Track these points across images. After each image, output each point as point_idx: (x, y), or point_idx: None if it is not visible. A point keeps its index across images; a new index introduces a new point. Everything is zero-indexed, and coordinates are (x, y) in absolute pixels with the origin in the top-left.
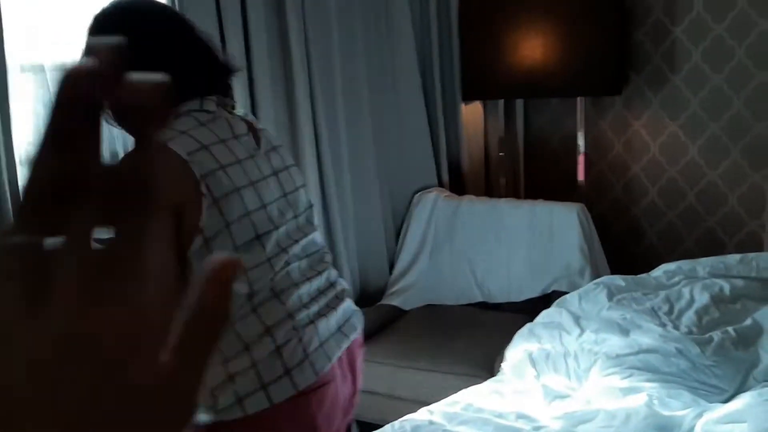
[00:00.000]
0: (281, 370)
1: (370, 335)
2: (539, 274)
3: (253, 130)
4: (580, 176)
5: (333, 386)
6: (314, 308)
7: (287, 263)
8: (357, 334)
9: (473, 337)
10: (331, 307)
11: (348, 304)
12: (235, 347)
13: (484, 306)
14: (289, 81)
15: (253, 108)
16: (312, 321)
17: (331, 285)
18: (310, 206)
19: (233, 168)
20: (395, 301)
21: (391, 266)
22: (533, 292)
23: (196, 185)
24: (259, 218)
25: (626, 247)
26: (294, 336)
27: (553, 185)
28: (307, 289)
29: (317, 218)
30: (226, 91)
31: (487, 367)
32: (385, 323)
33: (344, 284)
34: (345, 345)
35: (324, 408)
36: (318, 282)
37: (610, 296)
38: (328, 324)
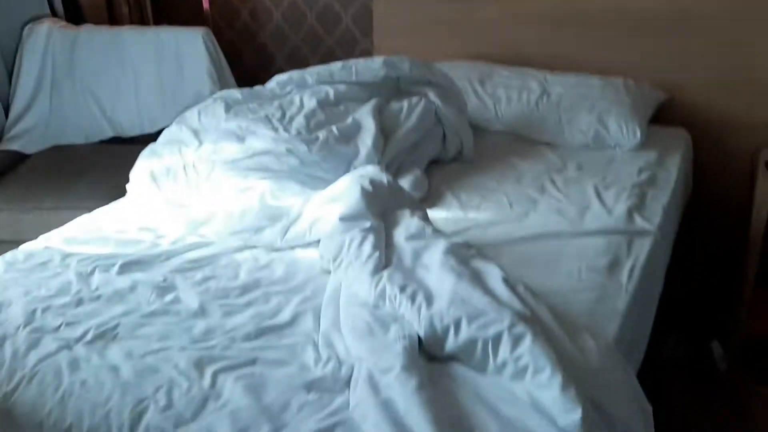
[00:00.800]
0: None
1: None
2: (170, 102)
3: None
4: (206, 4)
5: None
6: None
7: None
8: None
9: (105, 171)
10: None
11: None
12: None
13: (117, 141)
14: None
15: None
16: None
17: None
18: None
19: None
20: (14, 146)
21: (6, 110)
22: (166, 121)
23: None
24: None
25: (257, 71)
26: None
27: (181, 15)
28: None
29: None
30: None
31: (119, 196)
32: (3, 170)
33: None
34: None
35: None
36: None
37: (228, 109)
38: None
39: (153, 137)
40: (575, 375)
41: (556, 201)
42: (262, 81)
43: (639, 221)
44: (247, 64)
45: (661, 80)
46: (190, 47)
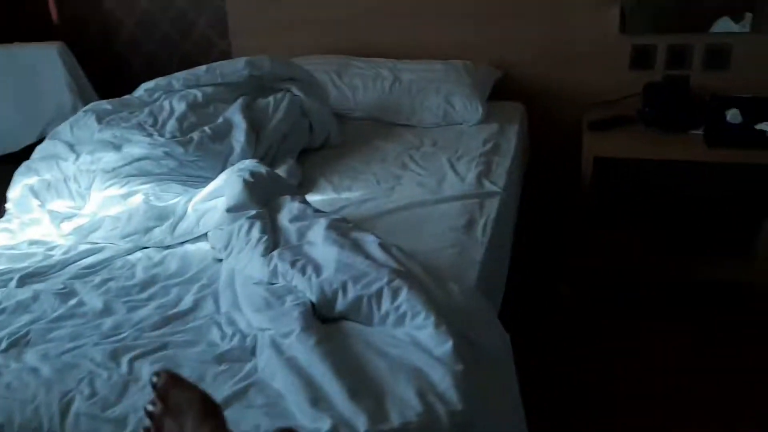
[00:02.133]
0: None
1: None
2: (32, 119)
3: None
4: (54, 16)
5: None
6: None
7: None
8: None
9: None
10: None
11: None
12: None
13: None
14: None
15: None
16: None
17: None
18: None
19: None
20: None
21: None
22: (30, 138)
23: None
24: None
25: (115, 80)
26: None
27: (29, 29)
28: None
29: None
30: None
31: None
32: None
33: None
34: None
35: None
36: None
37: (100, 120)
38: None
39: (18, 156)
40: (445, 315)
41: (417, 175)
42: (120, 90)
43: (487, 185)
44: (104, 73)
45: (497, 60)
46: (46, 62)
